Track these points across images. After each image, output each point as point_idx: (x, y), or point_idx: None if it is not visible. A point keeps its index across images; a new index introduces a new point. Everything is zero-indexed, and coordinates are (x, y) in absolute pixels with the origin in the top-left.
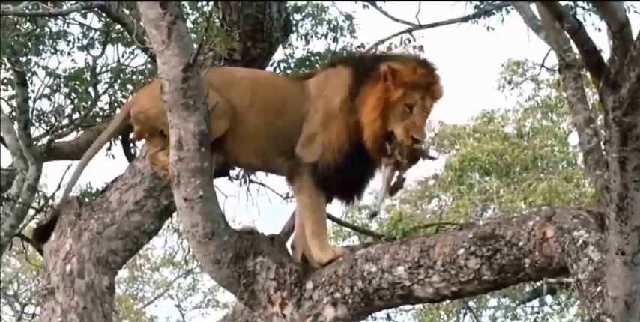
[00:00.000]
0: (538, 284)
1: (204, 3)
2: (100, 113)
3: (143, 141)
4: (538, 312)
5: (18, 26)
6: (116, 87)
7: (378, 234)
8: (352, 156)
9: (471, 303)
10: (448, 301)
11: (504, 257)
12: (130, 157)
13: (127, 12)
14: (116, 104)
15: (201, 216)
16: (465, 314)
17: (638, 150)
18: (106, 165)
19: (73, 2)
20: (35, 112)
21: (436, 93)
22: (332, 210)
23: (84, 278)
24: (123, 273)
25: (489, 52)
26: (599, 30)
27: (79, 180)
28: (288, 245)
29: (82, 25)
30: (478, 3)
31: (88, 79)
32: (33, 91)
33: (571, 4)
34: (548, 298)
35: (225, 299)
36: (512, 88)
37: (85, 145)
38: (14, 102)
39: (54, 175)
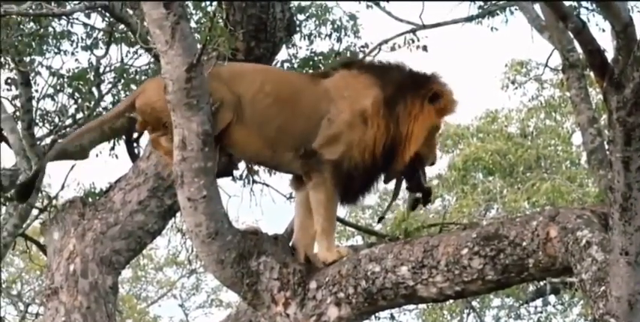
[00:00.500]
0: (541, 284)
1: (207, 3)
2: (104, 113)
3: (147, 141)
4: (541, 312)
5: (22, 26)
6: (119, 87)
7: (381, 233)
8: (380, 161)
9: (474, 303)
10: (452, 301)
11: (508, 257)
12: (134, 157)
13: (130, 12)
14: None
15: (204, 216)
16: (468, 314)
17: None
18: (110, 165)
19: (77, 2)
20: (39, 112)
21: (449, 113)
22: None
23: (87, 278)
24: (126, 273)
25: (493, 52)
26: (603, 30)
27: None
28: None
29: (85, 25)
30: (482, 3)
31: (92, 78)
32: (36, 91)
33: (575, 4)
34: (552, 298)
35: (229, 298)
36: (516, 88)
37: (88, 145)
38: (18, 102)
39: (57, 175)
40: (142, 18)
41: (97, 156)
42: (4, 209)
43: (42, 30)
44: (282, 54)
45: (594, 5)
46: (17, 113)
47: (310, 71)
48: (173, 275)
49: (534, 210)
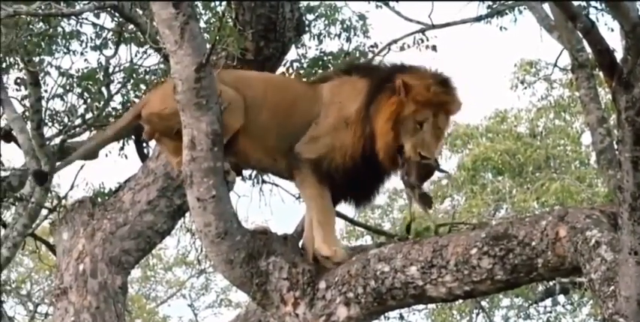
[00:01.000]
0: (551, 283)
1: (217, 3)
2: (113, 113)
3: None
4: (551, 312)
5: (31, 26)
6: (129, 87)
7: (390, 233)
8: (363, 164)
9: (483, 303)
10: (461, 301)
11: (517, 257)
12: (143, 157)
13: (140, 12)
14: (129, 104)
15: (214, 216)
16: (477, 314)
17: None
18: (119, 165)
19: (86, 2)
20: (48, 112)
21: (451, 110)
22: (344, 210)
23: (97, 278)
24: (135, 273)
25: (502, 51)
26: (612, 30)
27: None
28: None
29: (94, 24)
30: (491, 3)
31: (101, 78)
32: (46, 91)
33: (584, 4)
34: (561, 298)
35: (238, 298)
36: (525, 88)
37: (97, 146)
38: (27, 102)
39: (66, 175)
40: (151, 18)
41: (106, 156)
42: (13, 209)
43: (51, 30)
44: (292, 54)
45: (603, 5)
46: (26, 113)
47: (319, 71)
48: (182, 275)
49: (543, 210)
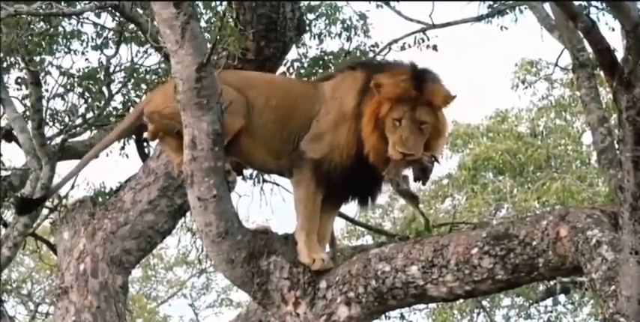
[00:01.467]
0: (552, 283)
1: (217, 2)
2: (114, 112)
3: (156, 141)
4: (552, 311)
5: (32, 26)
6: (130, 86)
7: (391, 233)
8: (359, 163)
9: (484, 302)
10: (462, 300)
11: (518, 257)
12: (144, 157)
13: (140, 11)
14: (130, 103)
15: (214, 216)
16: (478, 314)
17: None
18: (120, 165)
19: (87, 2)
20: (49, 112)
21: (432, 101)
22: (345, 210)
23: (97, 277)
24: (136, 273)
25: (503, 51)
26: (613, 29)
27: (92, 179)
28: None
29: (95, 24)
30: (491, 2)
31: (102, 78)
32: (47, 91)
33: (584, 3)
34: (562, 297)
35: (239, 298)
36: (526, 88)
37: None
38: (28, 102)
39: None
40: (152, 17)
41: (107, 155)
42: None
43: (52, 29)
44: (292, 53)
45: (604, 4)
46: (27, 112)
47: (320, 71)
48: (183, 275)
49: (544, 210)
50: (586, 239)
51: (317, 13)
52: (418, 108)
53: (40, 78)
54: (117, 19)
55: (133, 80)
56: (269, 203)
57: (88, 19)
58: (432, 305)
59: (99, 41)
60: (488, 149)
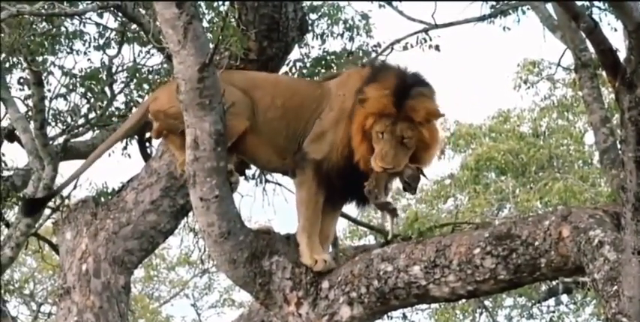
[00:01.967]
0: (554, 283)
1: (220, 2)
2: (116, 113)
3: (160, 140)
4: (554, 311)
5: (34, 26)
6: (132, 86)
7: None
8: (353, 165)
9: (486, 303)
10: (464, 300)
11: (520, 257)
12: (146, 157)
13: (143, 11)
14: (132, 104)
15: (217, 216)
16: (480, 314)
17: None
18: (122, 165)
19: (89, 2)
20: (51, 112)
21: (412, 117)
22: (347, 210)
23: (100, 277)
24: (139, 273)
25: (505, 51)
26: (615, 29)
27: (95, 179)
28: None
29: (98, 24)
30: (494, 3)
31: (104, 78)
32: (49, 91)
33: (587, 3)
34: (564, 297)
35: (241, 298)
36: (528, 88)
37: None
38: (30, 102)
39: (69, 175)
40: (154, 18)
41: (109, 155)
42: (16, 208)
43: (54, 30)
44: (295, 53)
45: (606, 5)
46: (30, 113)
47: (322, 71)
48: (185, 275)
49: (547, 210)
50: (588, 239)
51: (319, 13)
52: (399, 123)
53: (43, 78)
54: (119, 19)
55: (135, 80)
56: (271, 203)
57: (90, 19)
58: (434, 306)
59: (101, 41)
60: (490, 149)
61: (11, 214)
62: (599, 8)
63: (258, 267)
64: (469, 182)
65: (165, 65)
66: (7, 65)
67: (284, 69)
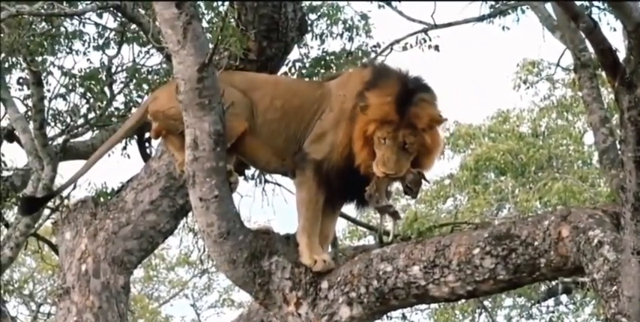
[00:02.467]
0: (553, 283)
1: (219, 3)
2: (116, 113)
3: (159, 140)
4: (553, 312)
5: (33, 26)
6: (132, 86)
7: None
8: (353, 164)
9: (486, 303)
10: (463, 300)
11: (520, 257)
12: (146, 157)
13: (142, 12)
14: (132, 104)
15: (216, 216)
16: (480, 314)
17: None
18: (122, 165)
19: (89, 2)
20: (51, 112)
21: (415, 124)
22: (347, 210)
23: (99, 277)
24: (138, 273)
25: (505, 51)
26: (615, 29)
27: (94, 179)
28: None
29: (97, 24)
30: (493, 3)
31: (104, 78)
32: (48, 91)
33: (586, 3)
34: (564, 297)
35: (241, 298)
36: (528, 88)
37: (100, 145)
38: (30, 102)
39: (69, 175)
40: (153, 18)
41: (109, 155)
42: (15, 208)
43: (54, 30)
44: (294, 54)
45: (606, 5)
46: (29, 113)
47: (321, 71)
48: (185, 275)
49: (546, 210)
50: (588, 239)
51: (319, 14)
52: (402, 129)
53: (42, 78)
54: (118, 19)
55: (134, 80)
56: (271, 203)
57: (89, 19)
58: (433, 306)
59: (101, 41)
60: (489, 149)
61: (11, 214)
62: (599, 8)
63: (257, 267)
64: (468, 182)
65: (164, 65)
66: (7, 65)
67: (283, 69)
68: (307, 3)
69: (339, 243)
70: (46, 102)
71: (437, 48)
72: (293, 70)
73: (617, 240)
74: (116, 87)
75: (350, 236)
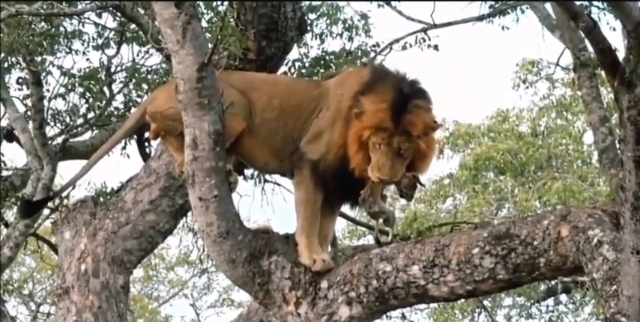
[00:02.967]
0: (553, 283)
1: (218, 2)
2: (115, 112)
3: (158, 140)
4: (553, 311)
5: (33, 26)
6: (131, 86)
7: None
8: (347, 164)
9: (485, 302)
10: (463, 300)
11: (519, 257)
12: (145, 157)
13: (142, 11)
14: (131, 104)
15: (216, 216)
16: (479, 313)
17: None
18: (121, 165)
19: (88, 2)
20: (50, 112)
21: (410, 131)
22: (346, 209)
23: (99, 277)
24: (138, 273)
25: (504, 51)
26: (614, 29)
27: (94, 179)
28: None
29: (96, 24)
30: (493, 2)
31: (103, 78)
32: (48, 91)
33: (586, 3)
34: (563, 297)
35: (240, 298)
36: (527, 87)
37: (99, 145)
38: (29, 102)
39: (69, 175)
40: (153, 17)
41: (108, 155)
42: (15, 208)
43: (53, 29)
44: (294, 53)
45: (605, 4)
46: (29, 113)
47: (321, 71)
48: (184, 275)
49: (545, 210)
50: (587, 238)
51: (318, 13)
52: (397, 136)
53: (42, 78)
54: (118, 19)
55: (134, 80)
56: (270, 203)
57: (89, 19)
58: (433, 305)
59: (100, 41)
60: (489, 149)
61: (10, 214)
62: (598, 8)
63: (257, 267)
64: (468, 182)
65: (164, 65)
66: (6, 65)
67: (283, 69)
68: (306, 2)
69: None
70: (45, 102)
71: (436, 47)
72: (292, 70)
73: (617, 239)
74: (115, 87)
75: (349, 235)
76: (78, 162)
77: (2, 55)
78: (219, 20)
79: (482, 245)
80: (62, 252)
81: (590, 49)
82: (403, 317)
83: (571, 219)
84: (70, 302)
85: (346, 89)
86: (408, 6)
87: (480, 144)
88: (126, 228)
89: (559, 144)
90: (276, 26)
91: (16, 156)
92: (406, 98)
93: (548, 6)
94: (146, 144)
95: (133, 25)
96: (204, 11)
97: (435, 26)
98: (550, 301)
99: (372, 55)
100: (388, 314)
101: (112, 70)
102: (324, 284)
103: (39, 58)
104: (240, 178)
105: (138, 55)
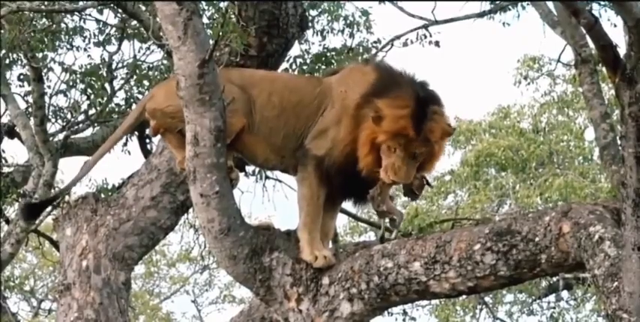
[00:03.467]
0: (554, 279)
1: None
2: (116, 109)
3: (159, 136)
4: (554, 307)
5: (34, 22)
6: (132, 83)
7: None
8: (353, 161)
9: (487, 299)
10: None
11: (520, 253)
12: (146, 153)
13: (143, 8)
14: (132, 100)
15: (217, 212)
16: (481, 310)
17: None
18: (122, 161)
19: None
20: (51, 108)
21: (427, 138)
22: (348, 206)
23: (100, 274)
24: (139, 269)
25: (505, 47)
26: (615, 25)
27: (95, 175)
28: None
29: (98, 21)
30: None
31: (104, 74)
32: (49, 87)
33: None
34: (565, 293)
35: (242, 294)
36: (528, 84)
37: (100, 141)
38: (30, 98)
39: (70, 171)
40: (154, 14)
41: (109, 152)
42: (16, 205)
43: (54, 26)
44: (295, 50)
45: (606, 1)
46: (30, 109)
47: (322, 67)
48: (186, 271)
49: (547, 206)
50: (589, 235)
51: (319, 10)
52: (414, 141)
53: (43, 74)
54: (119, 15)
55: (135, 76)
56: (271, 199)
57: (90, 15)
58: (434, 302)
59: (101, 38)
60: (490, 145)
61: (11, 211)
62: (599, 4)
63: (258, 263)
64: (469, 178)
65: (165, 61)
66: (8, 61)
67: (284, 65)
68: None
69: (340, 239)
70: (46, 99)
71: (437, 44)
72: (294, 66)
73: (618, 235)
74: (117, 84)
75: (351, 232)
76: (79, 159)
77: (3, 51)
78: (220, 17)
79: (483, 242)
80: (63, 249)
81: (592, 45)
82: (405, 313)
83: (572, 216)
84: (71, 298)
85: (349, 86)
86: (408, 3)
87: (482, 140)
88: (127, 224)
89: (560, 140)
90: (278, 23)
91: (17, 152)
92: (424, 104)
93: (549, 2)
94: (147, 140)
95: (134, 22)
96: (206, 8)
97: (436, 22)
98: (551, 297)
99: (374, 51)
100: (390, 310)
101: (114, 66)
102: (325, 280)
103: (40, 55)
104: (241, 175)
105: (139, 52)
